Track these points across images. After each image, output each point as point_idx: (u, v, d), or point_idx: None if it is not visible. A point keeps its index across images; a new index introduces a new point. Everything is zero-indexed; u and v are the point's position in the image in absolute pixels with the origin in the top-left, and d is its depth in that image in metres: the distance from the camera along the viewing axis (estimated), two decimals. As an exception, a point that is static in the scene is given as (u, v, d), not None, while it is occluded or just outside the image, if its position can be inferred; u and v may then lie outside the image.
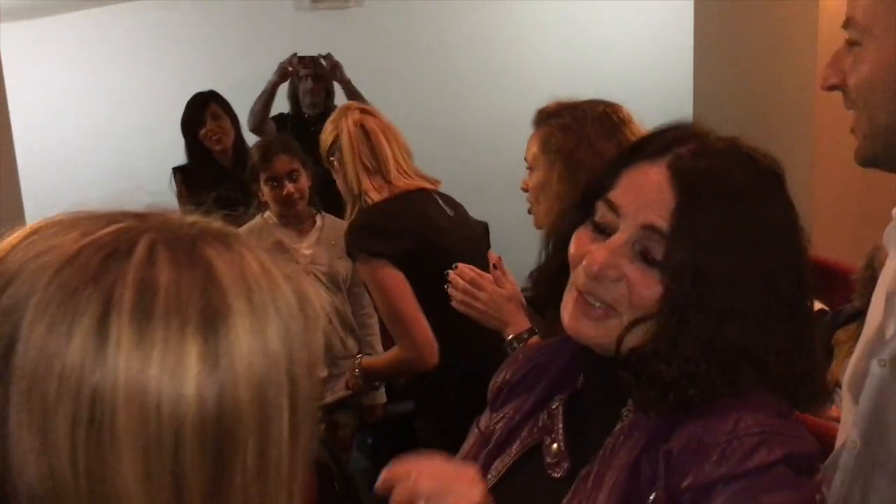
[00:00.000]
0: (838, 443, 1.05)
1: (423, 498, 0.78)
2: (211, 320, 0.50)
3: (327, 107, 4.27)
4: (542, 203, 1.69)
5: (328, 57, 4.08)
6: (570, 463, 0.95)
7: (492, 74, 5.61)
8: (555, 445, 0.97)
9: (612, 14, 5.55)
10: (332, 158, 2.21)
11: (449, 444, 1.10)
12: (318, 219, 2.72)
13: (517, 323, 1.66)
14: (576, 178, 1.55)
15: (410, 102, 4.61)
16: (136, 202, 0.58)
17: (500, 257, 1.74)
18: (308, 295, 0.56)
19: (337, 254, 2.58)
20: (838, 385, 2.35)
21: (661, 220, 0.82)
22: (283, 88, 4.21)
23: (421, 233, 2.10)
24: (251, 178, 2.69)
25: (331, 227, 2.68)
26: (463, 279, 1.69)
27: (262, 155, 2.64)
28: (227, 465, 0.51)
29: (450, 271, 1.73)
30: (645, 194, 0.84)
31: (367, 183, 2.12)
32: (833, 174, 3.17)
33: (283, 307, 0.54)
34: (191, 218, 0.57)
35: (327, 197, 2.66)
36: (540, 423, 1.01)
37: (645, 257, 0.84)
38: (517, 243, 1.94)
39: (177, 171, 3.61)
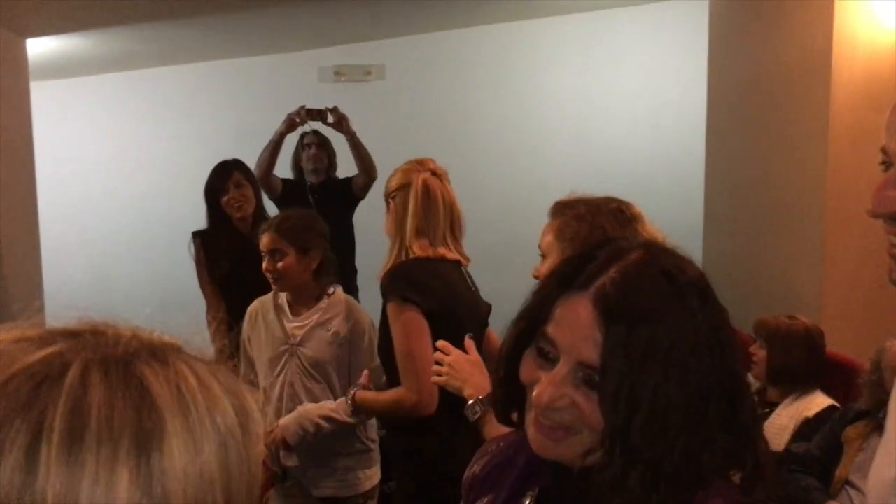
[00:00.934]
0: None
1: None
2: (144, 443, 0.49)
3: (329, 175, 4.38)
4: None
5: (334, 110, 4.16)
6: None
7: (508, 147, 5.72)
8: None
9: (625, 83, 5.66)
10: (390, 199, 2.33)
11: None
12: (325, 299, 2.60)
13: (478, 385, 1.72)
14: None
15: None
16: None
17: (471, 335, 1.89)
18: (248, 408, 0.56)
19: (328, 338, 2.54)
20: (847, 482, 2.33)
21: (593, 356, 0.88)
22: (289, 157, 4.31)
23: (446, 299, 2.21)
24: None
25: (334, 304, 2.60)
26: (442, 351, 1.83)
27: (261, 227, 2.66)
28: None
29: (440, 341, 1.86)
30: (576, 331, 0.90)
31: (414, 239, 2.25)
32: (845, 253, 3.15)
33: (221, 423, 0.53)
34: (127, 333, 0.56)
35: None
36: None
37: (589, 383, 0.89)
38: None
39: (196, 235, 3.65)
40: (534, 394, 0.92)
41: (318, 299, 2.60)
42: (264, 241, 2.56)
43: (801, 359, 2.75)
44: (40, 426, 0.48)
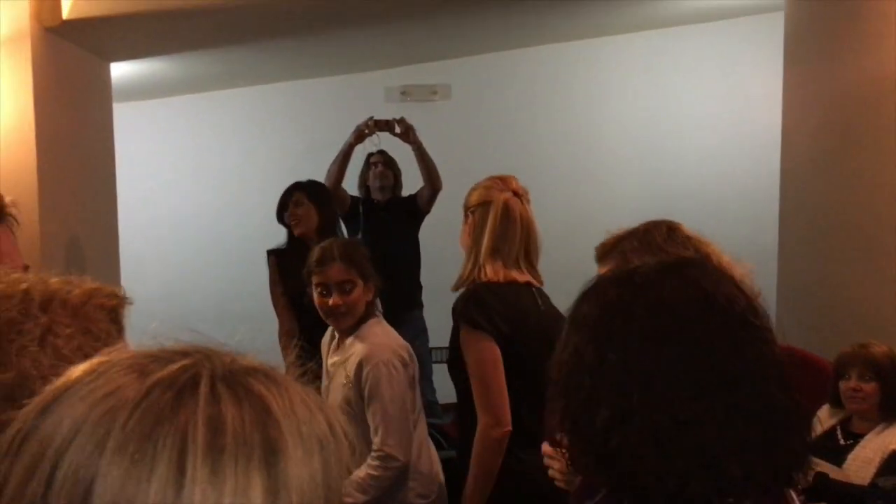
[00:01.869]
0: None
1: None
2: (271, 453, 0.52)
3: (395, 193, 4.44)
4: None
5: (402, 121, 4.23)
6: None
7: (572, 168, 5.69)
8: None
9: (694, 101, 5.59)
10: (469, 213, 2.36)
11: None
12: (355, 336, 2.37)
13: None
14: None
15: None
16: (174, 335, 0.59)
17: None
18: (335, 423, 0.59)
19: (342, 380, 2.34)
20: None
21: None
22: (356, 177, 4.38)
23: (515, 324, 2.24)
24: (305, 278, 2.45)
25: (363, 339, 2.35)
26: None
27: (319, 258, 2.39)
28: None
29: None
30: None
31: (488, 258, 2.28)
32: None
33: (322, 435, 0.56)
34: (228, 354, 0.59)
35: None
36: None
37: None
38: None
39: (270, 253, 3.76)
40: None
41: (351, 332, 2.39)
42: (333, 272, 2.35)
43: None
44: (184, 439, 0.51)
